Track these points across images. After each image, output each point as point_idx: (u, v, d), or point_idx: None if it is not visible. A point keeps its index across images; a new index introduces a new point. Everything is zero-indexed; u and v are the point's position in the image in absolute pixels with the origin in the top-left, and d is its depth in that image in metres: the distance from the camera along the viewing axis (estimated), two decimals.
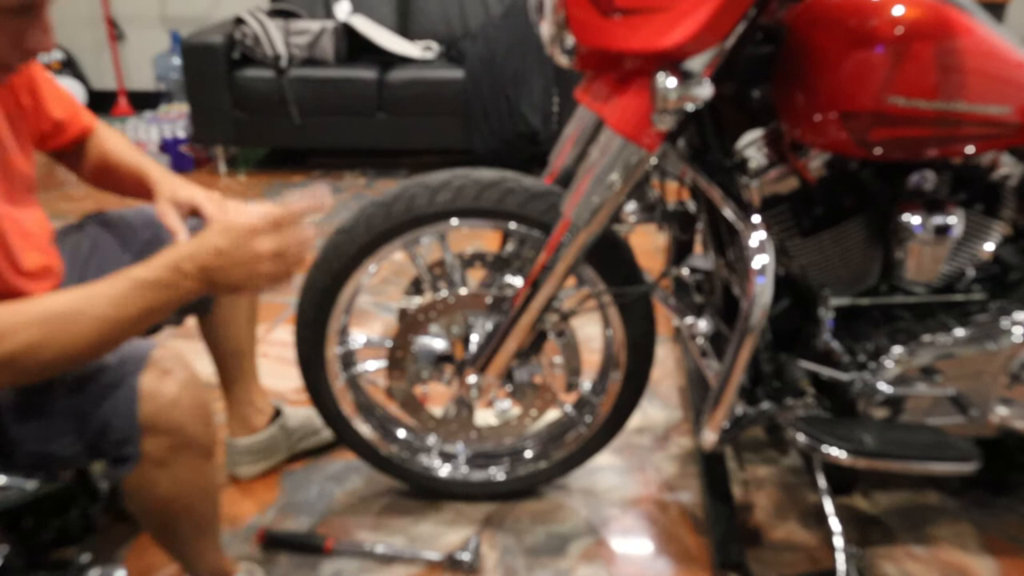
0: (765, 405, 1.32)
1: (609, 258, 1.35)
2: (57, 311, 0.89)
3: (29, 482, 1.26)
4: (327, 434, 1.69)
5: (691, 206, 1.56)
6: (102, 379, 1.00)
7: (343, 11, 3.67)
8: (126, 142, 1.34)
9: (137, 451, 1.01)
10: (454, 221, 1.32)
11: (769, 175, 1.26)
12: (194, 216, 1.26)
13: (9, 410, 0.99)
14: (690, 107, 1.07)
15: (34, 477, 1.27)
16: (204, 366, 1.45)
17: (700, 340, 1.46)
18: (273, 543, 1.42)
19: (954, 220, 1.21)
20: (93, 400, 1.00)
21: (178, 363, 1.04)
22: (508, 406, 1.50)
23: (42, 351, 0.88)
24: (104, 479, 1.34)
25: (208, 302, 1.46)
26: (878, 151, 1.14)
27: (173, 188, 1.25)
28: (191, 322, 1.49)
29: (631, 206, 1.58)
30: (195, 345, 1.54)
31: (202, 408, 1.05)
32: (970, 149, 1.16)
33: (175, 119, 3.75)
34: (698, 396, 1.77)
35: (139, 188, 1.29)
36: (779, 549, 1.46)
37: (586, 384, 1.53)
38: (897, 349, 1.27)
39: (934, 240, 1.22)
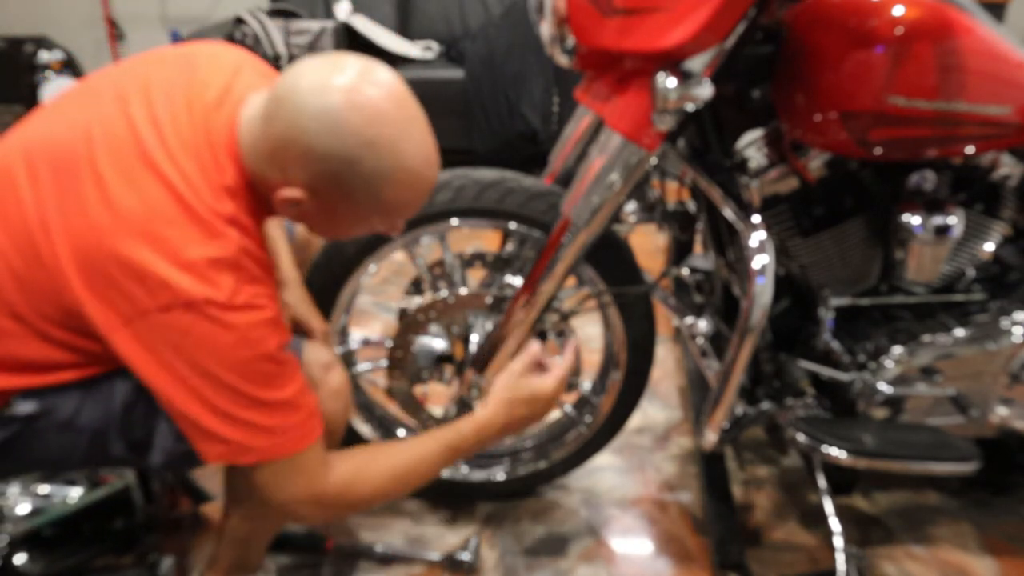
0: (765, 405, 1.32)
1: (609, 258, 1.35)
2: (399, 470, 1.04)
3: (73, 489, 1.28)
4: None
5: (691, 206, 1.56)
6: None
7: (343, 11, 3.67)
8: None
9: None
10: (454, 221, 1.32)
11: (769, 175, 1.26)
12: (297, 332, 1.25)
13: (153, 409, 0.99)
14: (690, 107, 1.07)
15: (77, 485, 1.29)
16: None
17: (700, 340, 1.46)
18: (273, 543, 1.41)
19: (954, 220, 1.21)
20: None
21: (334, 356, 1.11)
22: None
23: (377, 499, 1.03)
24: (157, 480, 1.36)
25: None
26: (878, 151, 1.14)
27: (294, 298, 1.25)
28: None
29: (631, 206, 1.58)
30: None
31: (350, 401, 1.13)
32: (970, 149, 1.16)
33: None
34: (698, 396, 1.77)
35: None
36: (779, 549, 1.46)
37: (586, 384, 1.53)
38: (897, 349, 1.27)
39: (934, 240, 1.22)
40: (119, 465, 1.10)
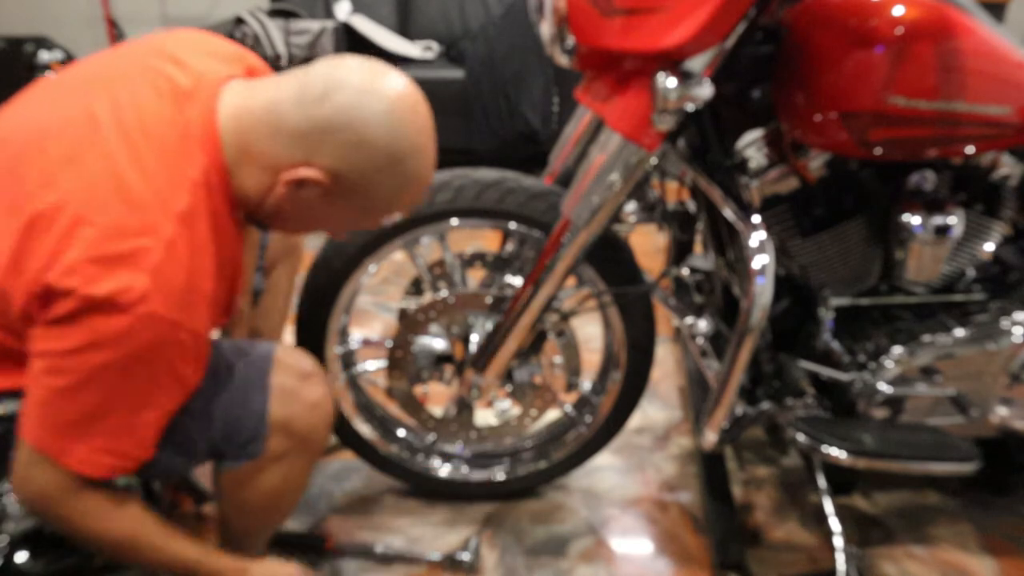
0: (765, 405, 1.32)
1: (609, 258, 1.35)
2: (131, 538, 0.99)
3: None
4: (332, 440, 1.69)
5: (691, 206, 1.56)
6: (232, 381, 1.01)
7: (343, 11, 3.67)
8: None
9: (261, 449, 1.02)
10: (454, 221, 1.32)
11: (769, 175, 1.26)
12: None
13: None
14: (690, 107, 1.07)
15: None
16: None
17: (700, 340, 1.46)
18: (273, 543, 1.41)
19: (954, 220, 1.21)
20: (223, 404, 1.00)
21: (316, 365, 1.08)
22: (508, 406, 1.50)
23: (92, 544, 1.01)
24: (157, 480, 1.36)
25: (256, 295, 1.47)
26: (878, 151, 1.14)
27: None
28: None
29: (631, 206, 1.58)
30: None
31: (333, 413, 1.10)
32: (970, 149, 1.16)
33: None
34: (698, 396, 1.77)
35: None
36: (779, 549, 1.46)
37: (586, 384, 1.53)
38: (897, 349, 1.27)
39: (934, 240, 1.22)
40: None
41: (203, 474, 1.45)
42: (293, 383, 1.03)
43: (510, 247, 1.47)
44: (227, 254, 0.95)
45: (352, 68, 0.90)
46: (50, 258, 0.82)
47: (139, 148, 0.86)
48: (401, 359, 1.42)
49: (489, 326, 1.39)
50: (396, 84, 0.91)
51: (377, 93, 0.88)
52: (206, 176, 0.88)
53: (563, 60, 1.15)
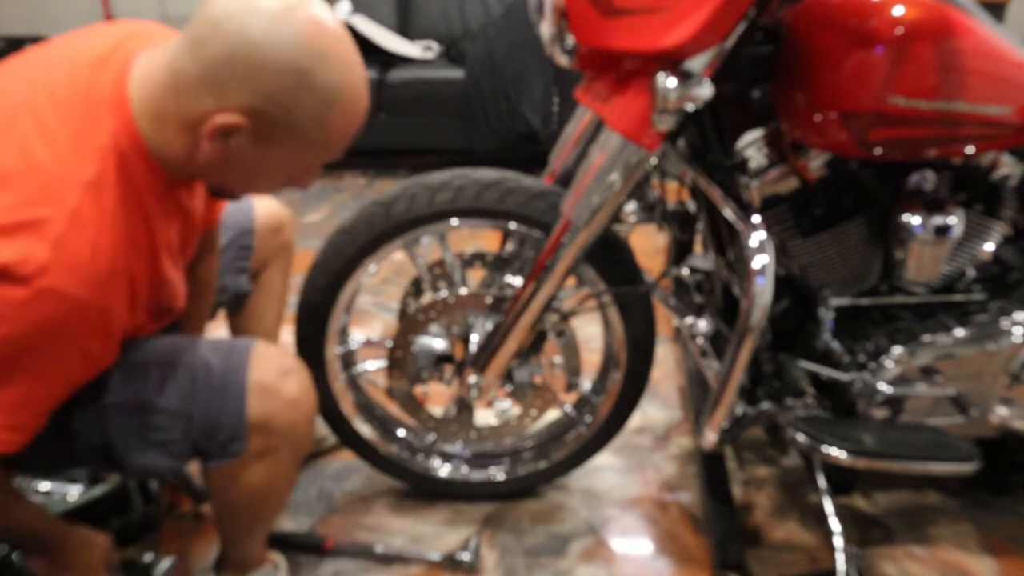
0: (765, 405, 1.32)
1: (609, 258, 1.35)
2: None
3: (73, 487, 1.28)
4: (331, 440, 1.69)
5: (691, 206, 1.56)
6: (210, 380, 1.00)
7: (343, 11, 3.67)
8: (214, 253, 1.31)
9: (242, 448, 1.02)
10: (454, 221, 1.32)
11: (769, 175, 1.26)
12: None
13: (116, 429, 0.99)
14: (690, 107, 1.07)
15: (77, 482, 1.28)
16: None
17: (700, 340, 1.46)
18: (273, 543, 1.41)
19: (954, 220, 1.21)
20: (202, 404, 1.00)
21: (296, 361, 1.07)
22: (508, 406, 1.50)
23: None
24: (154, 480, 1.36)
25: (242, 297, 1.47)
26: (878, 151, 1.14)
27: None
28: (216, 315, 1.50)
29: (631, 206, 1.58)
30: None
31: (314, 408, 1.08)
32: (970, 149, 1.16)
33: None
34: (698, 396, 1.77)
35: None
36: (779, 549, 1.46)
37: (586, 384, 1.53)
38: (897, 349, 1.27)
39: (934, 240, 1.22)
40: (100, 469, 1.11)
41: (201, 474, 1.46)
42: (271, 380, 1.02)
43: (510, 247, 1.47)
44: (144, 226, 0.92)
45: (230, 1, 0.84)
46: None
47: (46, 119, 0.84)
48: (401, 359, 1.42)
49: (489, 326, 1.39)
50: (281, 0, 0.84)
51: (260, 12, 0.82)
52: (115, 142, 0.86)
53: (563, 60, 1.14)
